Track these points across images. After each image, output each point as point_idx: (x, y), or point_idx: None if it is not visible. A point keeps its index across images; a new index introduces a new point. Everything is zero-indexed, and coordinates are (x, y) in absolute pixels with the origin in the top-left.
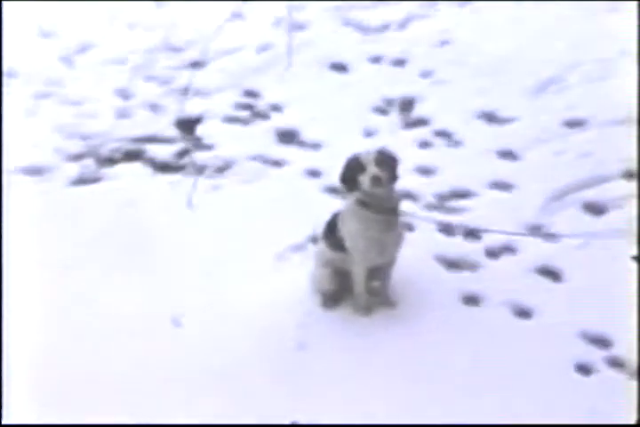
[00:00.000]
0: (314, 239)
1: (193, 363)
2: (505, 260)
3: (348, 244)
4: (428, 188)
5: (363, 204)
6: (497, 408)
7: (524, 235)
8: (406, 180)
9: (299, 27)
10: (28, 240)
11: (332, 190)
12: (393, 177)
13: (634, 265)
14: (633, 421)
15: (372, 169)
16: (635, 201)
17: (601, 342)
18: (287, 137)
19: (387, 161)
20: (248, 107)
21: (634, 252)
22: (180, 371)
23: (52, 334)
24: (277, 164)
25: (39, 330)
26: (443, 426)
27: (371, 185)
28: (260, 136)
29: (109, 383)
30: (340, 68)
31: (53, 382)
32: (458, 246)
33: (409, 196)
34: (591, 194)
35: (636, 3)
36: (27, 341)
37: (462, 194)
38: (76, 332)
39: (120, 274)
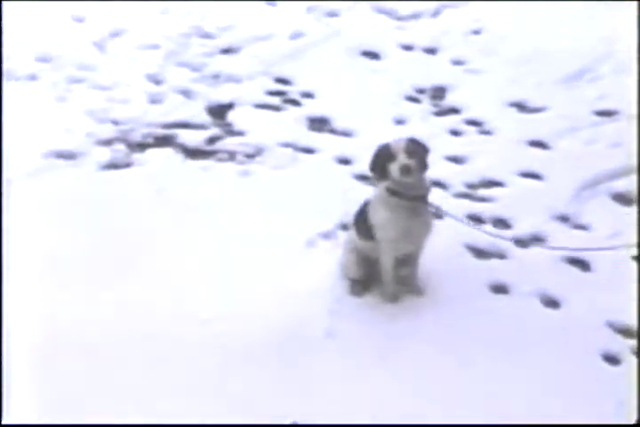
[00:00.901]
0: (344, 226)
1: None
2: (534, 249)
3: (377, 232)
4: (458, 176)
5: (392, 192)
6: (524, 397)
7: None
8: (437, 168)
9: (331, 14)
10: (53, 225)
11: (362, 178)
12: (423, 166)
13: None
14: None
15: (402, 158)
16: None
17: (629, 332)
18: (318, 124)
19: (416, 150)
20: (279, 93)
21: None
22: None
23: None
24: (308, 150)
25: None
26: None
27: (400, 174)
28: (291, 123)
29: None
30: (371, 55)
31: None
32: (487, 235)
33: (439, 184)
34: (621, 184)
35: None
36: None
37: (492, 183)
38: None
39: (145, 259)
